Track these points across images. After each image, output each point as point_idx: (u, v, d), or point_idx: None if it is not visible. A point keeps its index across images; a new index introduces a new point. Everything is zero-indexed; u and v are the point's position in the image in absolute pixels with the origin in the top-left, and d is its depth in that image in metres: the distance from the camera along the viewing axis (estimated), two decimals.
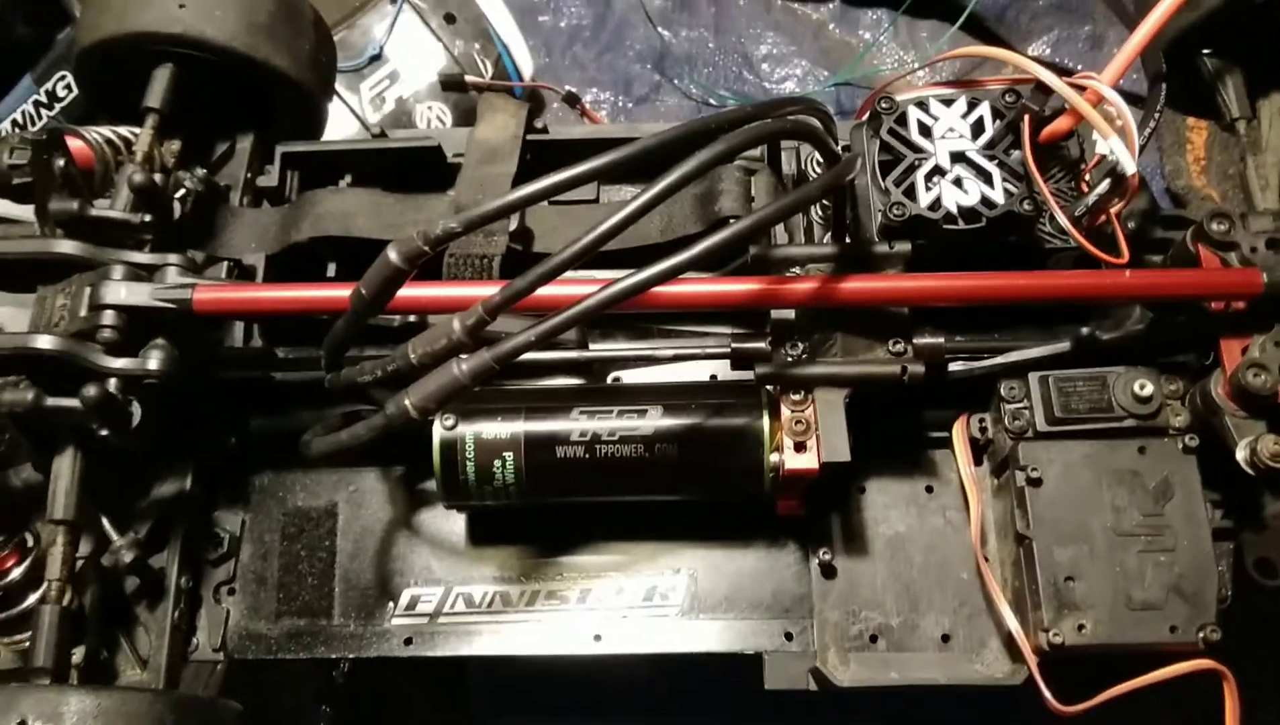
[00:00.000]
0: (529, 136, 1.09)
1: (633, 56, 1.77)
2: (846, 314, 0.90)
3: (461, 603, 0.98)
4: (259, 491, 1.04)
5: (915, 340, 0.90)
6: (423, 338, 0.78)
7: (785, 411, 0.88)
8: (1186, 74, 1.11)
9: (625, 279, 0.76)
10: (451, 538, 1.01)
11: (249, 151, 1.12)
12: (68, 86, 1.37)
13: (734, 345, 0.95)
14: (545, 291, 0.76)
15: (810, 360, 0.89)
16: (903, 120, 0.95)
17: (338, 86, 1.44)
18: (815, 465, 0.86)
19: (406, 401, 0.77)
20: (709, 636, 0.96)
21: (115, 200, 0.96)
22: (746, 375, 0.93)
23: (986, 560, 0.92)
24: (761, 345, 0.94)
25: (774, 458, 0.89)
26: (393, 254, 0.77)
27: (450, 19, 1.58)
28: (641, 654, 0.96)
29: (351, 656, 0.97)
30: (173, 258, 0.92)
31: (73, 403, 0.85)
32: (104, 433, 0.86)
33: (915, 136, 0.94)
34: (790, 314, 0.91)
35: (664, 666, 1.36)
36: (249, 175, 1.11)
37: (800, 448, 0.87)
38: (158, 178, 0.95)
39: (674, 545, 0.99)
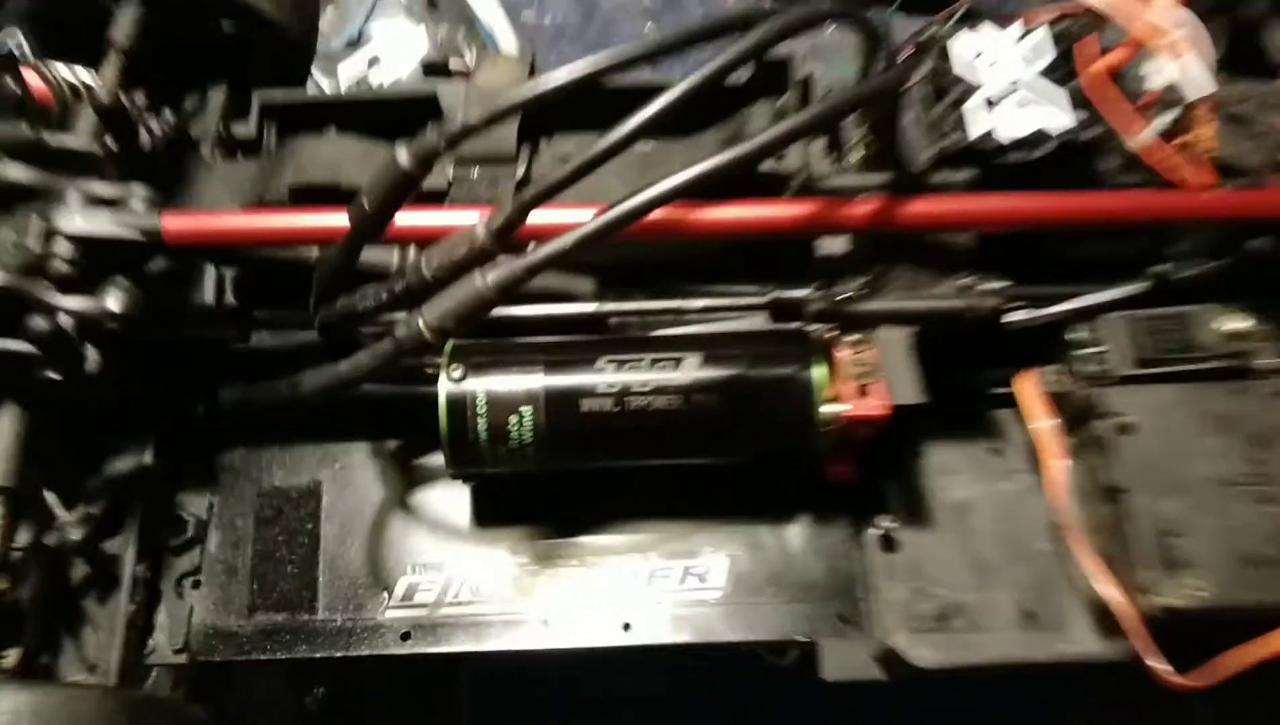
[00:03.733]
0: None
1: None
2: (909, 245, 0.80)
3: (467, 590, 0.85)
4: (230, 469, 0.91)
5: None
6: (439, 247, 0.67)
7: (844, 354, 0.78)
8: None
9: (666, 181, 0.66)
10: (455, 517, 0.88)
11: (221, 103, 1.01)
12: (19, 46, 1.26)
13: (774, 293, 0.86)
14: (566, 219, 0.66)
15: (869, 296, 0.79)
16: (951, 51, 0.87)
17: (313, 71, 1.35)
18: (886, 409, 0.75)
19: (420, 321, 0.66)
20: (754, 623, 0.84)
21: (76, 134, 0.84)
22: None
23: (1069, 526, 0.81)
24: (806, 292, 0.84)
25: (828, 409, 0.78)
26: (402, 154, 0.66)
27: (433, 4, 1.49)
28: (677, 644, 0.84)
29: (339, 655, 0.84)
30: (139, 189, 0.80)
31: (15, 344, 0.72)
32: (53, 377, 0.73)
33: (965, 67, 0.86)
34: (839, 248, 0.81)
35: (673, 669, 1.23)
36: (222, 128, 0.99)
37: (863, 391, 0.76)
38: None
39: (710, 520, 0.87)
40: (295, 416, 0.91)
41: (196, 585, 0.87)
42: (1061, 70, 0.87)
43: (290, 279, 0.86)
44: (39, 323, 0.71)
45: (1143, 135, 0.82)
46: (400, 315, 0.71)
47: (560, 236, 0.64)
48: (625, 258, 0.91)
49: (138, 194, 0.79)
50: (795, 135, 0.70)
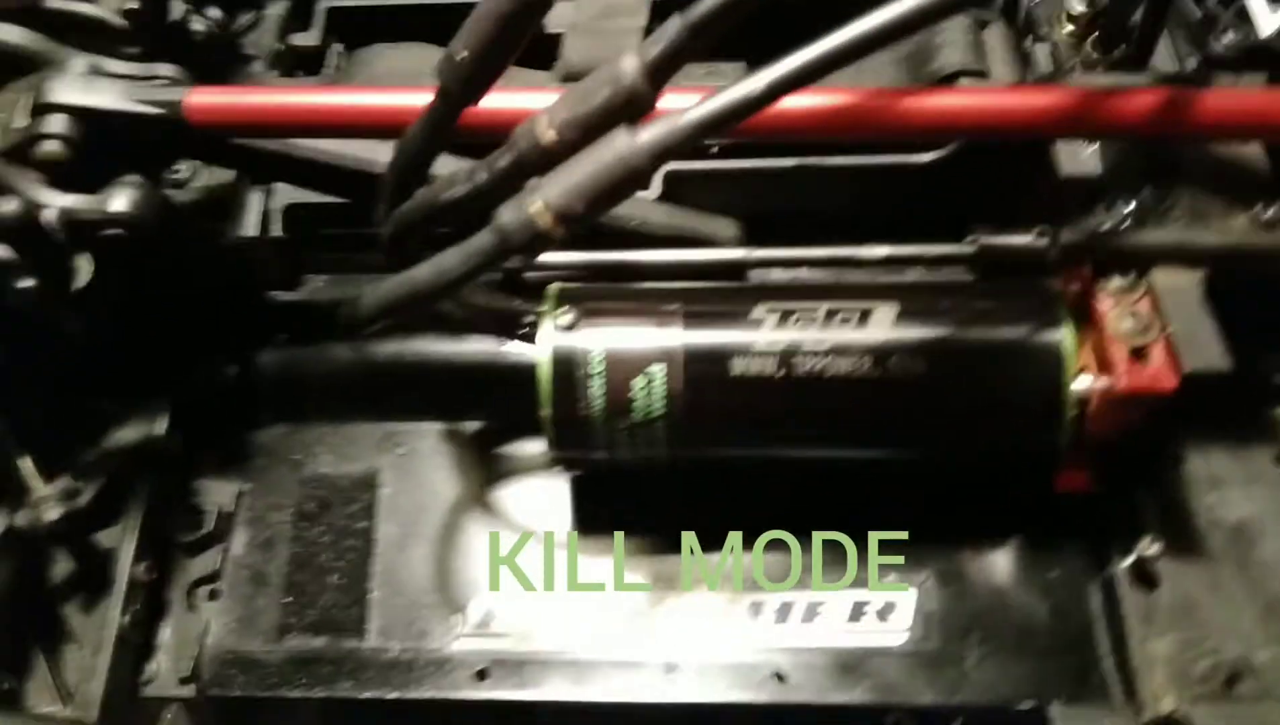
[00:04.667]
0: None
1: None
2: (1189, 162, 0.59)
3: (564, 619, 0.64)
4: (265, 451, 0.73)
5: None
6: (564, 98, 0.47)
7: (1105, 306, 0.56)
8: None
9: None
10: (549, 520, 0.67)
11: (282, 18, 0.83)
12: None
13: (985, 240, 0.64)
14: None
15: (1141, 229, 0.58)
16: None
17: None
18: (1172, 380, 0.53)
19: (535, 203, 0.45)
20: (955, 680, 0.61)
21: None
22: None
23: None
24: (1028, 239, 0.62)
25: (1084, 383, 0.56)
26: None
27: None
28: (847, 705, 0.61)
29: (394, 696, 0.62)
30: (163, 68, 0.61)
31: None
32: (26, 286, 0.54)
33: None
34: (1090, 165, 0.60)
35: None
36: (281, 44, 0.82)
37: (1139, 355, 0.54)
38: None
39: (893, 538, 0.65)
40: (350, 386, 0.71)
41: (214, 596, 0.68)
42: None
43: (357, 208, 0.68)
44: (6, 204, 0.52)
45: None
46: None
47: (746, 79, 0.44)
48: (773, 205, 0.71)
49: (162, 71, 0.61)
50: None
